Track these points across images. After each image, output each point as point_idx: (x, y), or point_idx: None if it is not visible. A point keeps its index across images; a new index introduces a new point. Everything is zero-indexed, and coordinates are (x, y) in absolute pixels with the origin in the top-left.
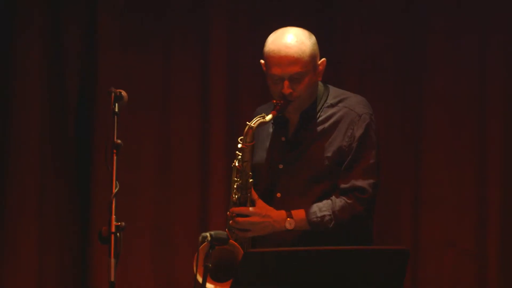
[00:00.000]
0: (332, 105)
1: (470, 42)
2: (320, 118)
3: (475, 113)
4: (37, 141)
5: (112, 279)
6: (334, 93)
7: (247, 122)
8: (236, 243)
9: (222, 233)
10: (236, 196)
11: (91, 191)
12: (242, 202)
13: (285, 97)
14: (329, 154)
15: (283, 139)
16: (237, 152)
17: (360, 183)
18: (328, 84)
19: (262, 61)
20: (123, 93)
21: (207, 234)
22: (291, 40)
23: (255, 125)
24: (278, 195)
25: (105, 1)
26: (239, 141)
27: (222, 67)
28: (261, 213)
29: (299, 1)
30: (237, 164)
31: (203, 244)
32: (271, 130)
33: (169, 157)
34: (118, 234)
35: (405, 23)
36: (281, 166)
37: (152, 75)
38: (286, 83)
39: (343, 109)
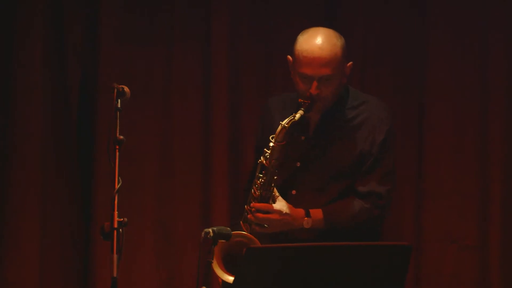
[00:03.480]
0: (354, 108)
1: (472, 36)
2: (342, 120)
3: (477, 108)
4: (39, 136)
5: (115, 274)
6: (355, 94)
7: (281, 122)
8: (253, 237)
9: (224, 229)
10: (259, 192)
11: (93, 187)
12: (265, 199)
13: (312, 97)
14: (350, 156)
15: (302, 138)
16: (265, 149)
17: (378, 188)
18: (347, 85)
19: (289, 57)
20: (126, 88)
21: (210, 229)
22: (324, 42)
23: (288, 125)
24: (293, 192)
25: None
26: (271, 139)
27: (223, 61)
28: (281, 211)
29: None
30: (264, 161)
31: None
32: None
33: (172, 152)
34: (120, 229)
35: (407, 18)
36: (298, 164)
37: (154, 70)
38: (315, 83)
39: (365, 112)
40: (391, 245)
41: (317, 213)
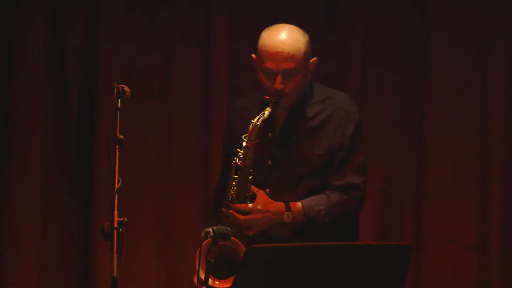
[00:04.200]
0: (319, 102)
1: (472, 36)
2: (308, 115)
3: (477, 108)
4: (39, 136)
5: (115, 274)
6: (319, 89)
7: (252, 121)
8: (237, 240)
9: (225, 229)
10: (235, 194)
11: (93, 187)
12: (243, 199)
13: (278, 93)
14: (320, 151)
15: (270, 135)
16: (238, 149)
17: (354, 180)
18: (312, 81)
19: (253, 55)
20: (126, 88)
21: (210, 229)
22: (286, 37)
23: (259, 123)
24: (267, 190)
25: None
26: (243, 139)
27: (223, 61)
28: (262, 209)
29: None
30: (238, 162)
31: (206, 240)
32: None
33: (172, 152)
34: (120, 229)
35: (407, 18)
36: (270, 162)
37: (154, 70)
38: (279, 78)
39: (332, 106)
40: (391, 245)
41: (296, 207)
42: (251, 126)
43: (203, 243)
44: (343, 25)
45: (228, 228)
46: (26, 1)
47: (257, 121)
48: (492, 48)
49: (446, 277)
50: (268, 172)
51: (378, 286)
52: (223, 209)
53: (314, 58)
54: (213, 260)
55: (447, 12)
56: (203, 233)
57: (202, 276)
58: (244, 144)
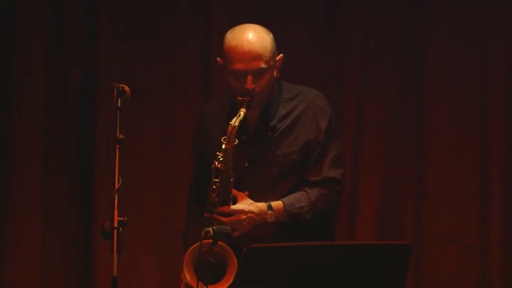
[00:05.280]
0: (290, 99)
1: (472, 36)
2: (280, 114)
3: (477, 108)
4: (40, 136)
5: (115, 274)
6: (288, 87)
7: (230, 122)
8: (224, 244)
9: (225, 228)
10: (217, 198)
11: (94, 186)
12: (225, 202)
13: (249, 93)
14: (296, 148)
15: (244, 137)
16: (217, 153)
17: (332, 174)
18: (279, 79)
19: (219, 59)
20: (126, 88)
21: (210, 229)
22: (252, 36)
23: (238, 124)
24: (246, 193)
25: None
26: (223, 141)
27: None
28: (244, 210)
29: None
30: (218, 165)
31: (193, 246)
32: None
33: (172, 152)
34: (120, 229)
35: (407, 18)
36: (246, 164)
37: (154, 70)
38: (250, 78)
39: (303, 102)
40: (391, 244)
41: (278, 205)
42: (229, 128)
43: (189, 249)
44: (343, 25)
45: (228, 227)
46: (26, 1)
47: (234, 122)
48: (492, 48)
49: (446, 277)
50: (246, 174)
51: (378, 286)
52: (205, 214)
53: (280, 55)
54: (213, 260)
55: (447, 12)
56: (203, 232)
57: (188, 278)
58: (223, 146)
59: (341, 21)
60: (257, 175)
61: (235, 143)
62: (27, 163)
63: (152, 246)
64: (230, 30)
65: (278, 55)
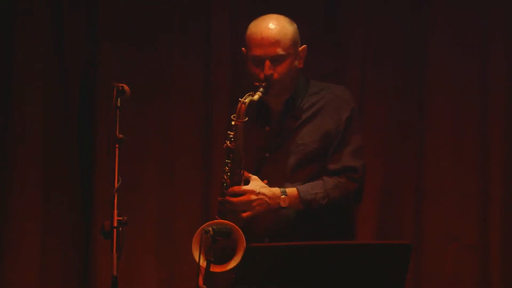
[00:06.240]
0: (315, 93)
1: (472, 36)
2: (304, 106)
3: (477, 108)
4: (40, 136)
5: (115, 273)
6: (315, 83)
7: (240, 99)
8: (232, 223)
9: (224, 227)
10: (229, 179)
11: (93, 187)
12: (236, 182)
13: (267, 78)
14: (316, 138)
15: (267, 128)
16: (228, 132)
17: (351, 163)
18: (307, 77)
19: (243, 49)
20: (126, 87)
21: (209, 228)
22: (272, 24)
23: (247, 101)
24: (265, 182)
25: None
26: (232, 118)
27: (224, 61)
28: (255, 190)
29: None
30: (229, 144)
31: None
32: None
33: (172, 151)
34: (120, 228)
35: (407, 18)
36: (267, 155)
37: (154, 70)
38: (267, 63)
39: (327, 95)
40: (391, 244)
41: (293, 191)
42: (238, 104)
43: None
44: (343, 25)
45: (228, 226)
46: (26, 1)
47: (244, 99)
48: (492, 48)
49: (446, 277)
50: (266, 164)
51: (378, 286)
52: (218, 198)
53: (304, 46)
54: (213, 259)
55: (447, 12)
56: (202, 231)
57: (197, 257)
58: (233, 123)
59: (341, 21)
60: (276, 164)
61: (245, 119)
62: (27, 163)
63: (152, 246)
64: (254, 19)
65: (302, 45)
